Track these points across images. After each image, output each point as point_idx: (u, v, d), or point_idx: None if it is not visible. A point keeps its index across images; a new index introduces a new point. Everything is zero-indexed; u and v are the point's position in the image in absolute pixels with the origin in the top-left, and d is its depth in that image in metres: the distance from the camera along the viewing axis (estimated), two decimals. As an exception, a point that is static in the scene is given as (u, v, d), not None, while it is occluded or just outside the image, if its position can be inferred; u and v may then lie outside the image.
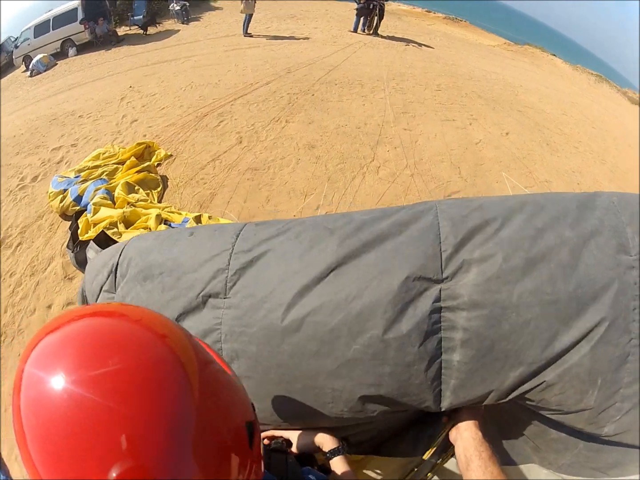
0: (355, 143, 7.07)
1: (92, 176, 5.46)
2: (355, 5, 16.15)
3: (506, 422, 1.56)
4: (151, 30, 16.88)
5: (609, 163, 9.02)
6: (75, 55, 15.34)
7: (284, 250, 1.45)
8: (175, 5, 17.66)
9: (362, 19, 16.00)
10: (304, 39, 14.37)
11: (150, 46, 14.47)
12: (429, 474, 1.54)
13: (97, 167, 5.69)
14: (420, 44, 15.75)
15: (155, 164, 6.07)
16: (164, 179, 5.83)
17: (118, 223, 4.48)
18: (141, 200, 5.01)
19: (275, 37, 14.50)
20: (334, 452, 1.41)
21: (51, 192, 5.37)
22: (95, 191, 5.04)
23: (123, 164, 5.78)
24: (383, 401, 1.34)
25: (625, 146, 11.17)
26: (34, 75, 14.00)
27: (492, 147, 7.78)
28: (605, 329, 1.14)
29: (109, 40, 15.75)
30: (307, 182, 5.92)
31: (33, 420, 0.61)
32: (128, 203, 4.91)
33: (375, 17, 15.82)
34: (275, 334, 1.34)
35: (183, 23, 17.41)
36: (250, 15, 14.66)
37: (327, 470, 1.39)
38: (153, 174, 5.74)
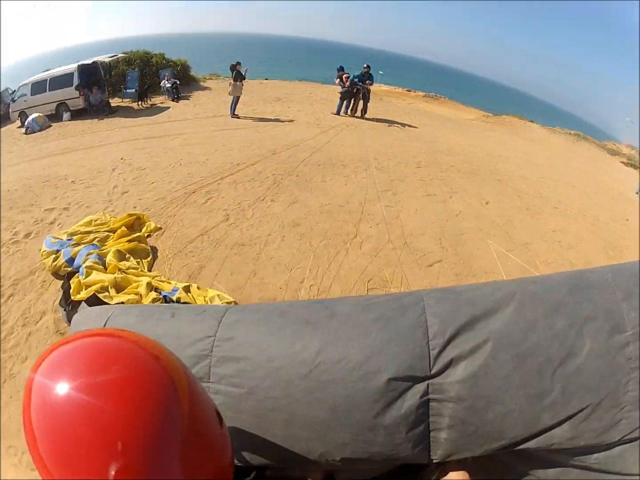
0: (338, 220, 7.27)
1: (84, 241, 5.64)
2: (339, 89, 16.57)
3: (495, 468, 1.54)
4: (142, 105, 17.30)
5: (589, 217, 9.42)
6: (69, 120, 15.57)
7: (266, 344, 1.46)
8: (166, 82, 18.16)
9: (345, 102, 16.43)
10: (288, 121, 14.82)
11: (141, 120, 14.76)
12: None
13: (89, 232, 5.88)
14: (401, 124, 16.25)
15: (146, 235, 6.24)
16: (154, 250, 5.97)
17: (109, 287, 4.64)
18: (132, 268, 5.19)
19: (261, 119, 14.91)
20: None
21: (44, 251, 5.49)
22: (87, 255, 5.22)
23: (114, 232, 5.96)
24: (372, 464, 1.42)
25: (605, 198, 11.72)
26: (29, 133, 14.16)
27: (472, 217, 8.08)
28: (588, 413, 1.22)
29: (102, 110, 16.07)
30: (292, 257, 6.07)
31: (42, 423, 0.67)
32: (119, 269, 5.08)
33: (360, 101, 16.27)
34: (267, 422, 1.40)
35: (173, 100, 17.80)
36: (238, 97, 15.18)
37: None
38: (143, 244, 5.90)
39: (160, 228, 6.57)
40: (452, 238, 7.12)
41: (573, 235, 8.18)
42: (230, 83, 15.26)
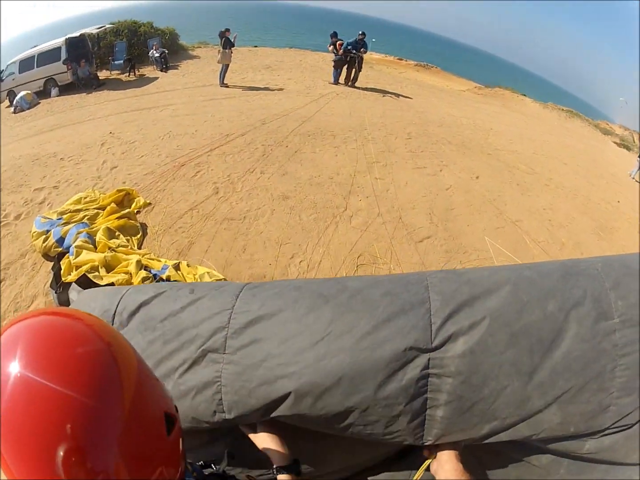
0: (328, 193, 7.31)
1: (74, 219, 5.63)
2: (333, 57, 16.30)
3: (486, 454, 1.63)
4: (130, 76, 17.16)
5: (580, 197, 9.47)
6: (57, 96, 15.38)
7: (281, 315, 1.53)
8: (154, 52, 17.87)
9: (339, 70, 16.19)
10: (278, 89, 14.74)
11: (129, 92, 14.61)
12: None
13: (78, 210, 5.86)
14: (391, 93, 16.16)
15: (135, 211, 6.24)
16: (144, 226, 5.97)
17: (99, 267, 4.65)
18: (122, 246, 5.19)
19: (251, 88, 14.80)
20: (280, 470, 1.41)
21: (34, 232, 5.49)
22: (77, 234, 5.21)
23: (104, 210, 5.95)
24: (368, 437, 1.48)
25: (597, 178, 11.73)
26: (17, 112, 14.06)
27: (462, 192, 8.13)
28: (573, 394, 1.29)
29: (90, 84, 15.87)
30: (281, 231, 6.09)
31: None
32: (109, 248, 5.09)
33: (354, 69, 15.99)
34: (274, 391, 1.45)
35: (162, 70, 17.60)
36: (227, 66, 14.95)
37: None
38: (133, 221, 5.90)
39: (150, 203, 6.57)
40: (442, 213, 7.20)
41: (564, 214, 8.25)
42: (219, 51, 15.06)
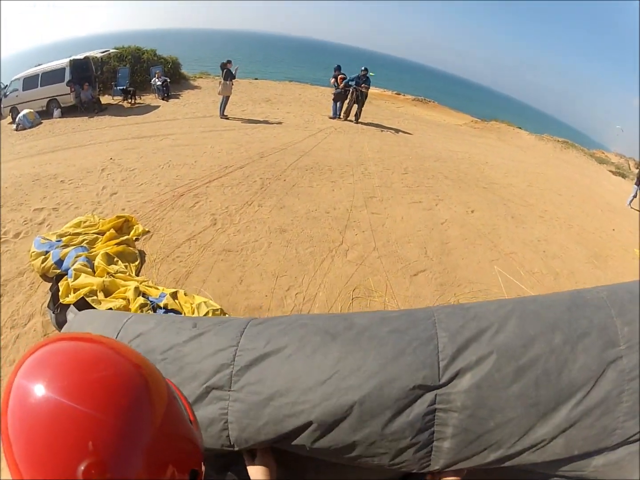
0: (325, 227, 7.35)
1: (73, 242, 5.66)
2: (334, 90, 16.72)
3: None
4: (131, 102, 17.37)
5: (575, 227, 9.60)
6: (59, 117, 15.55)
7: (287, 352, 1.53)
8: (156, 80, 18.14)
9: (339, 103, 16.44)
10: (277, 123, 14.92)
11: (131, 119, 14.76)
12: None
13: (78, 234, 5.89)
14: (389, 128, 16.38)
15: (134, 238, 6.28)
16: (142, 254, 6.01)
17: (98, 291, 4.70)
18: (120, 272, 5.23)
19: (250, 121, 14.96)
20: None
21: (33, 252, 5.50)
22: (76, 257, 5.25)
23: (103, 235, 5.98)
24: (375, 467, 1.49)
25: (592, 207, 11.91)
26: (19, 130, 14.17)
27: (457, 226, 8.22)
28: (577, 421, 1.30)
29: (93, 108, 16.09)
30: (278, 264, 6.12)
31: (17, 425, 0.67)
32: (107, 273, 5.13)
33: (355, 104, 16.21)
34: (283, 428, 1.46)
35: (163, 99, 17.83)
36: (227, 98, 15.14)
37: None
38: (131, 248, 5.95)
39: (149, 231, 6.62)
40: (437, 247, 7.26)
41: (558, 245, 8.35)
42: (220, 82, 15.23)
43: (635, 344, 1.32)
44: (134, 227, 6.54)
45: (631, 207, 13.86)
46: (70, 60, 16.61)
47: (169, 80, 18.57)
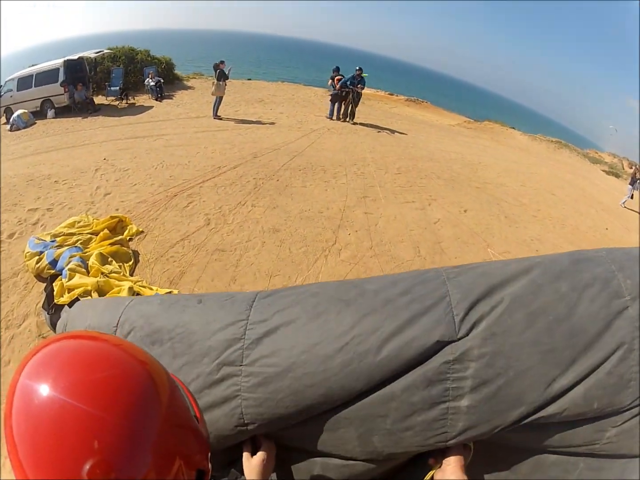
0: (318, 227, 7.39)
1: (67, 243, 5.69)
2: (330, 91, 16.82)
3: (501, 456, 1.57)
4: (124, 103, 17.33)
5: (568, 226, 9.68)
6: (53, 118, 15.51)
7: (301, 323, 1.50)
8: (150, 80, 18.12)
9: (336, 104, 16.50)
10: (270, 123, 14.96)
11: (124, 120, 14.74)
12: None
13: (72, 234, 5.92)
14: (382, 128, 16.43)
15: (128, 238, 6.30)
16: (136, 254, 6.03)
17: (92, 292, 4.69)
18: (114, 272, 5.26)
19: (243, 121, 15.00)
20: None
21: (28, 252, 5.55)
22: (70, 258, 5.27)
23: (97, 235, 6.01)
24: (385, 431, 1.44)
25: (586, 207, 11.97)
26: (14, 130, 14.14)
27: (450, 226, 8.27)
28: (595, 368, 1.28)
29: (86, 108, 16.07)
30: (271, 263, 6.15)
31: (22, 425, 0.67)
32: (102, 273, 5.15)
33: (351, 104, 16.31)
34: (305, 399, 1.43)
35: (157, 99, 17.81)
36: (221, 98, 15.18)
37: None
38: (125, 248, 5.98)
39: (142, 231, 6.65)
40: (430, 246, 7.29)
41: (552, 244, 8.39)
42: (213, 82, 15.24)
43: (637, 295, 1.33)
44: (128, 227, 6.56)
45: (625, 207, 14.02)
46: (65, 61, 16.61)
47: (162, 80, 18.57)
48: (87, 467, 0.63)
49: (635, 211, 13.86)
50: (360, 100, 16.79)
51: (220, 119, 15.14)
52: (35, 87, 16.41)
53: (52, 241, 5.74)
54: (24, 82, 16.66)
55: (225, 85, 15.38)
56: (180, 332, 1.62)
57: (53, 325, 4.50)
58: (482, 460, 1.52)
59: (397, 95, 28.46)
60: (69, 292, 4.77)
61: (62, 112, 16.01)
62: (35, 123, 14.85)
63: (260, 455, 1.50)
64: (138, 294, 4.83)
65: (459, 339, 1.36)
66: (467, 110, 31.47)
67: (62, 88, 16.11)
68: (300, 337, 1.48)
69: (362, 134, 15.14)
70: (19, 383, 0.70)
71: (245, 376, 1.49)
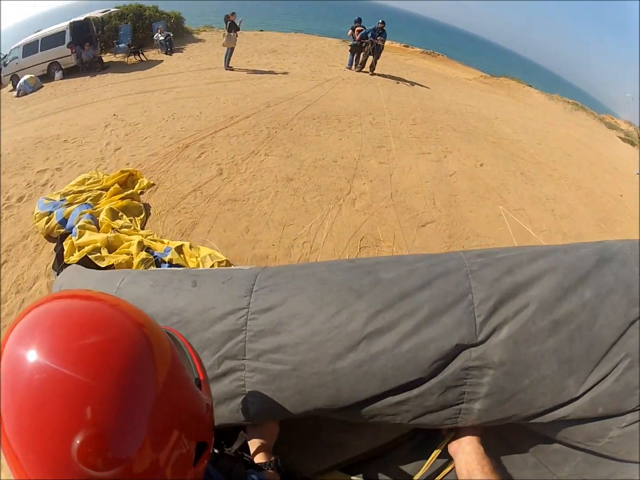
0: (332, 176, 7.28)
1: (77, 200, 5.59)
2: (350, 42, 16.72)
3: (509, 436, 1.61)
4: (136, 59, 17.07)
5: (584, 189, 9.45)
6: (61, 79, 15.36)
7: (308, 315, 1.38)
8: (159, 35, 17.93)
9: (355, 55, 16.38)
10: (283, 73, 14.69)
11: (133, 75, 14.55)
12: None
13: (81, 192, 5.82)
14: (397, 79, 16.17)
15: (139, 191, 6.20)
16: (147, 207, 5.93)
17: (102, 248, 4.61)
18: (125, 227, 5.17)
19: (256, 72, 14.73)
20: (259, 468, 1.32)
21: (37, 213, 5.45)
22: (80, 215, 5.16)
23: (107, 190, 5.90)
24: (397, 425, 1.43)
25: (601, 171, 11.69)
26: (21, 96, 14.02)
27: (466, 179, 8.11)
28: (604, 377, 1.25)
29: (94, 67, 15.84)
30: (285, 213, 6.07)
31: (9, 396, 0.62)
32: (112, 228, 5.06)
33: (370, 56, 16.11)
34: (312, 400, 1.37)
35: (166, 53, 17.59)
36: (232, 49, 14.91)
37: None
38: (136, 202, 5.86)
39: (154, 184, 6.52)
40: (445, 199, 7.18)
41: (567, 205, 8.23)
42: (224, 34, 14.98)
43: None
44: (139, 180, 6.46)
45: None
46: (70, 23, 16.44)
47: (171, 35, 18.33)
48: (76, 441, 0.60)
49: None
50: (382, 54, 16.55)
51: (232, 69, 14.81)
52: (41, 51, 16.27)
53: (62, 200, 5.63)
54: (29, 48, 16.51)
55: (237, 36, 15.07)
56: (176, 320, 1.48)
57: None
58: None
59: (412, 48, 27.91)
60: (79, 250, 4.66)
61: (70, 72, 15.85)
62: (42, 86, 14.69)
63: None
64: (148, 248, 4.74)
65: (479, 343, 1.30)
66: (483, 66, 30.68)
67: (69, 49, 15.94)
68: (307, 332, 1.36)
69: (377, 84, 14.81)
70: (5, 349, 0.66)
71: (249, 371, 1.41)
